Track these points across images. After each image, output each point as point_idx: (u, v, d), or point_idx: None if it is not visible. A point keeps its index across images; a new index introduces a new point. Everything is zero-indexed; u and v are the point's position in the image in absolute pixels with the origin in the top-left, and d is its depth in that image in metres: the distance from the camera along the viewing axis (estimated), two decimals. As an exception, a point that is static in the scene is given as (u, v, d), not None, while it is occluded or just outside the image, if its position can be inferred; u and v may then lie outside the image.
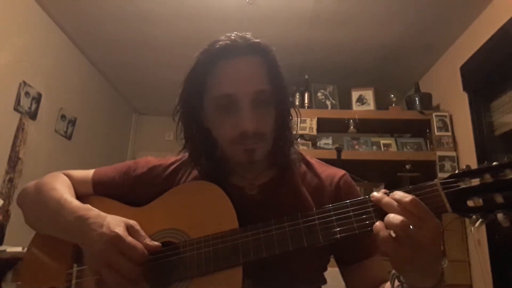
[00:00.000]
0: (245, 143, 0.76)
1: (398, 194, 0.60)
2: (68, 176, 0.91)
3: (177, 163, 0.92)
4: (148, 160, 0.93)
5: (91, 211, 0.75)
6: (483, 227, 2.30)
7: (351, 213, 0.65)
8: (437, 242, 0.57)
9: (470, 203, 0.58)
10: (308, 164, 0.90)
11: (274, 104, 0.80)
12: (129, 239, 0.68)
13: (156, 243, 0.72)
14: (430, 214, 0.57)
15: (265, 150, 0.80)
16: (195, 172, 0.88)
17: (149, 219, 0.80)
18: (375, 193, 0.63)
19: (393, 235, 0.57)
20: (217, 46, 0.76)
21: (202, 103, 0.81)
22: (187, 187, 0.84)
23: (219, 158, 0.86)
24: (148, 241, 0.71)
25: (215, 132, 0.82)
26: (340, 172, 0.89)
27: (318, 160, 0.94)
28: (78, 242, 0.75)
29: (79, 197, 0.85)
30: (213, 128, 0.82)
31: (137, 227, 0.73)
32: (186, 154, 0.90)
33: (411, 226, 0.56)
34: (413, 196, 0.58)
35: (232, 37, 0.77)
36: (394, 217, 0.57)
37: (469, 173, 0.60)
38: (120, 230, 0.69)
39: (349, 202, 0.66)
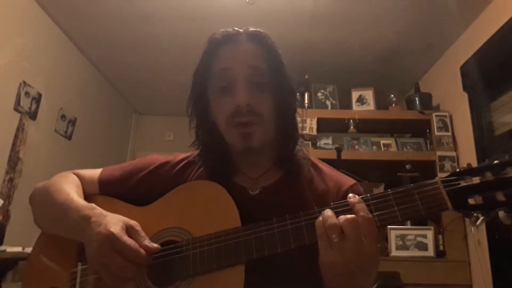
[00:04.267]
0: (238, 122, 0.78)
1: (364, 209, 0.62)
2: (78, 175, 0.92)
3: (186, 160, 0.91)
4: (154, 158, 0.93)
5: (94, 210, 0.75)
6: (483, 227, 2.30)
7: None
8: (365, 270, 0.59)
9: (471, 201, 0.58)
10: (317, 169, 0.88)
11: (271, 89, 0.81)
12: (124, 238, 0.67)
13: (155, 244, 0.71)
14: (375, 242, 0.59)
15: (262, 135, 0.80)
16: (202, 170, 0.88)
17: (152, 218, 0.80)
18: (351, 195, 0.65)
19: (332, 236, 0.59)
20: (218, 35, 0.83)
21: (207, 95, 0.84)
22: (190, 186, 0.84)
23: (225, 155, 0.86)
24: (147, 242, 0.70)
25: (217, 120, 0.83)
26: (350, 181, 0.86)
27: (328, 165, 0.92)
28: (82, 240, 0.75)
29: (86, 196, 0.86)
30: (215, 117, 0.84)
31: (138, 227, 0.72)
32: (196, 152, 0.90)
33: (350, 237, 0.58)
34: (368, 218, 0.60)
35: (234, 28, 0.84)
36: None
37: (470, 171, 0.60)
38: (116, 229, 0.68)
39: None
